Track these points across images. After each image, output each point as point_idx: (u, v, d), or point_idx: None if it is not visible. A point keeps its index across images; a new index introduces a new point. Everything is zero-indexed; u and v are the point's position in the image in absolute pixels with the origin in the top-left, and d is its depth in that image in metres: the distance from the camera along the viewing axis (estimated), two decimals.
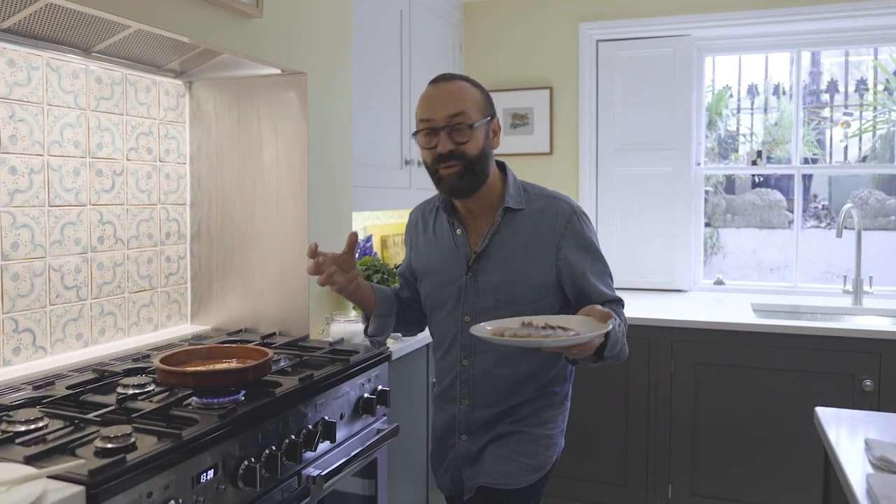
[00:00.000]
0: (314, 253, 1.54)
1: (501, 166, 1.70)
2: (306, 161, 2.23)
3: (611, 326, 1.38)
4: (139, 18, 1.66)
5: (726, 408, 2.92)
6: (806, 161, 3.62)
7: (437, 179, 1.59)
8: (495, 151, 1.65)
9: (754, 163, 3.70)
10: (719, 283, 3.70)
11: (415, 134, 1.60)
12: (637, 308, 3.16)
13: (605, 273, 1.66)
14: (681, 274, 3.63)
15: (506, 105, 3.80)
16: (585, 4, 3.69)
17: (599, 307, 1.43)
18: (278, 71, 2.21)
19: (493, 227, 1.62)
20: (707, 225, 3.86)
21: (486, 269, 1.62)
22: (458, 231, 1.67)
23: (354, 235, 1.58)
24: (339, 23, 2.44)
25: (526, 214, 1.63)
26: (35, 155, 1.85)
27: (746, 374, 2.88)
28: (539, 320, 1.46)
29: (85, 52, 1.90)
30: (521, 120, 3.81)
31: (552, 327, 1.43)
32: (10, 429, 1.35)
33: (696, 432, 2.96)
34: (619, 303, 1.66)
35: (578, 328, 1.41)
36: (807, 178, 3.64)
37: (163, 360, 1.56)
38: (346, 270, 1.59)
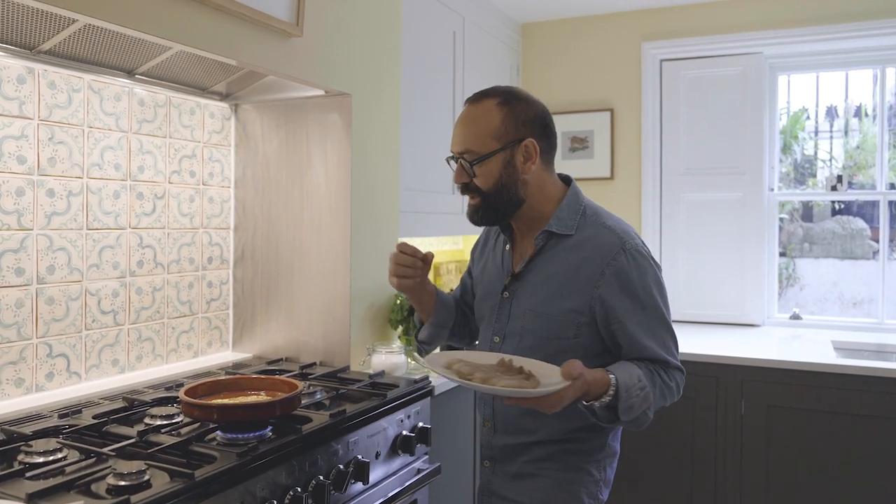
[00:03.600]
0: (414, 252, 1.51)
1: (568, 182, 1.55)
2: (350, 185, 2.16)
3: (559, 387, 1.21)
4: (178, 39, 1.62)
5: (803, 456, 2.65)
6: (892, 187, 3.35)
7: None
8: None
9: (834, 188, 3.44)
10: (796, 317, 3.43)
11: None
12: (704, 344, 2.95)
13: (657, 326, 1.41)
14: (753, 307, 3.39)
15: (565, 128, 3.66)
16: (648, 23, 3.54)
17: (577, 362, 1.23)
18: (322, 92, 2.15)
19: (532, 250, 1.50)
20: (782, 254, 3.60)
21: (520, 293, 1.50)
22: (507, 247, 1.58)
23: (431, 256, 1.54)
24: (387, 43, 2.38)
25: (572, 242, 1.46)
26: (74, 177, 1.83)
27: (826, 420, 2.62)
28: (519, 361, 1.33)
29: (128, 74, 1.89)
30: (580, 143, 3.67)
31: (525, 373, 1.29)
32: (26, 460, 1.30)
33: (770, 482, 2.70)
34: (667, 365, 1.41)
35: (547, 381, 1.25)
36: (893, 205, 3.36)
37: (187, 392, 1.49)
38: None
